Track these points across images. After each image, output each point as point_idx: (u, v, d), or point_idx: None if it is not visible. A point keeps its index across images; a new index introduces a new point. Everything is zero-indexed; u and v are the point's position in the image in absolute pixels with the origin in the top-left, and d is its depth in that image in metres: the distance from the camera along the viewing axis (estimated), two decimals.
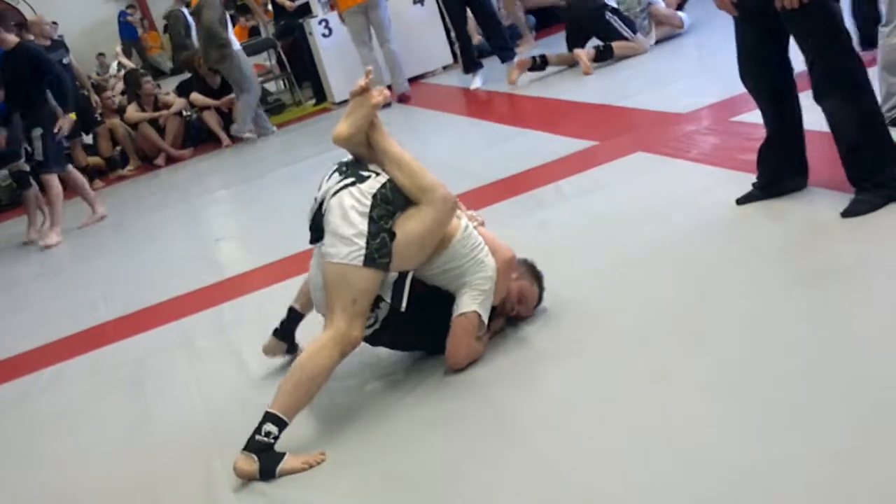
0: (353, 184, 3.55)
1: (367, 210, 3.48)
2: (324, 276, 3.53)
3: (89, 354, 5.27)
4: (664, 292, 3.90)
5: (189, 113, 12.38)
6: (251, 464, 3.29)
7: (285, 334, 4.18)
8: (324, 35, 12.06)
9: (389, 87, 11.18)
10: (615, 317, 3.82)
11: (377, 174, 3.60)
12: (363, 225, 3.46)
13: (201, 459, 3.67)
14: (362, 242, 3.44)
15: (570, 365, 3.56)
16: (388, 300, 3.57)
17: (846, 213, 4.02)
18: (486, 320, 3.69)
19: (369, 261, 3.43)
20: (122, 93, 14.09)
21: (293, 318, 4.18)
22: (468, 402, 3.46)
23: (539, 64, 9.67)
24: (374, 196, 3.51)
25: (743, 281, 3.81)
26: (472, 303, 3.64)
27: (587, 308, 3.96)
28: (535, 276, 3.95)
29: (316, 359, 3.40)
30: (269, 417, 3.31)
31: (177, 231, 8.21)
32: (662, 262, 4.19)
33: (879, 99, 4.87)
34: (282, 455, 3.32)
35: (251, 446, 3.30)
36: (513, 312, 3.91)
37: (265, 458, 3.30)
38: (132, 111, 11.97)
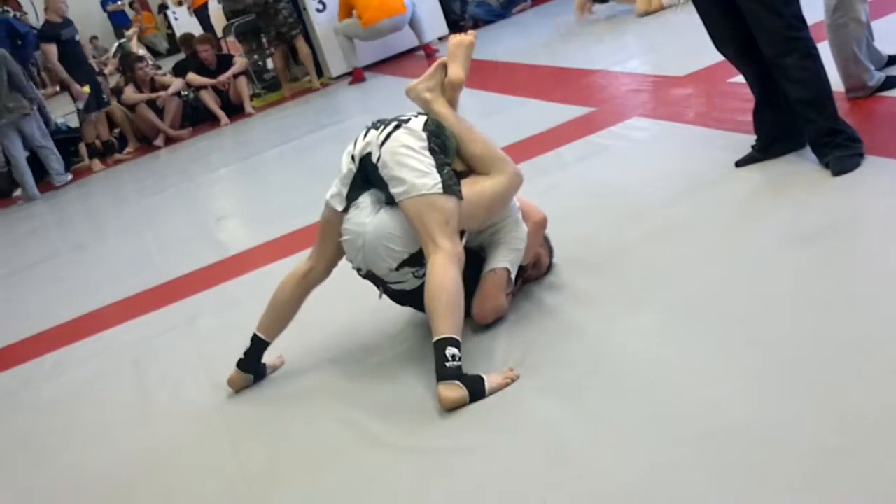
0: (398, 126, 3.61)
1: (426, 143, 3.56)
2: (406, 215, 3.48)
3: (93, 337, 5.27)
4: (666, 254, 3.91)
5: (187, 93, 12.35)
6: (457, 390, 3.21)
7: (251, 365, 3.91)
8: (318, 10, 12.01)
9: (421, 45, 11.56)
10: (617, 279, 3.83)
11: (416, 115, 3.71)
12: (429, 158, 3.53)
13: (209, 438, 3.69)
14: (435, 172, 3.49)
15: (574, 327, 3.56)
16: None
17: (837, 172, 4.02)
18: (513, 278, 3.76)
19: (447, 188, 3.48)
20: (118, 70, 14.11)
21: (257, 346, 3.90)
22: (472, 368, 3.45)
23: None
24: (425, 130, 3.60)
25: (742, 240, 3.81)
26: (503, 260, 3.71)
27: (590, 271, 3.97)
28: (549, 247, 4.05)
29: (448, 279, 3.35)
30: (445, 342, 3.26)
31: (178, 211, 8.21)
32: (662, 224, 4.20)
33: (842, 86, 4.84)
34: (480, 376, 3.28)
35: (447, 375, 3.22)
36: (525, 274, 3.96)
37: (468, 381, 3.24)
38: (129, 93, 11.92)
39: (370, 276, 3.72)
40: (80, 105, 11.50)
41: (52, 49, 11.30)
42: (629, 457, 2.69)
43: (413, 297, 3.66)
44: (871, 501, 2.25)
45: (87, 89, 11.41)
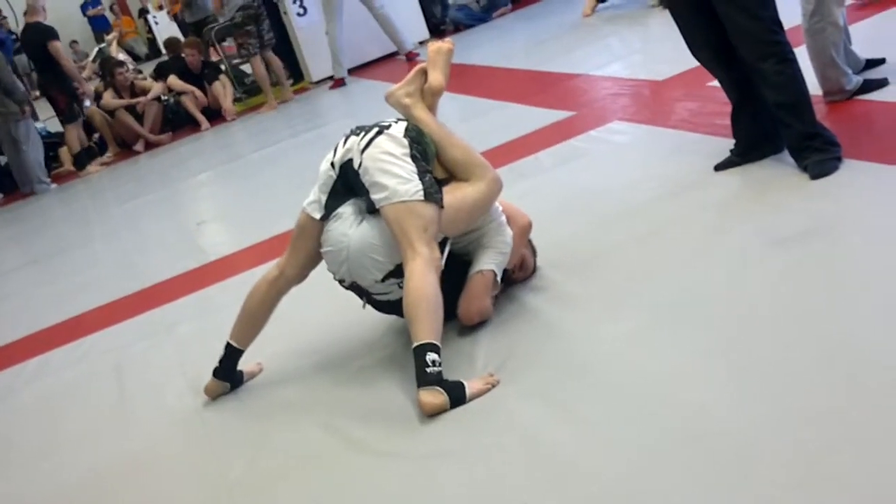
0: (379, 133, 3.61)
1: (408, 150, 3.55)
2: (386, 220, 3.47)
3: (74, 343, 5.25)
4: (647, 257, 3.92)
5: (167, 97, 12.31)
6: (438, 396, 3.20)
7: (226, 373, 3.88)
8: (299, 14, 12.01)
9: (402, 54, 11.43)
10: (597, 283, 3.83)
11: (396, 121, 3.70)
12: (410, 164, 3.52)
13: (190, 444, 3.69)
14: (417, 179, 3.49)
15: (555, 331, 3.57)
16: None
17: (816, 175, 4.04)
18: (499, 281, 3.77)
19: (428, 196, 3.47)
20: (97, 75, 14.07)
21: (231, 354, 3.86)
22: (454, 373, 3.46)
23: None
24: (406, 136, 3.59)
25: (722, 244, 3.83)
26: (490, 262, 3.72)
27: (570, 275, 3.97)
28: (533, 249, 4.07)
29: (427, 284, 3.34)
30: (425, 348, 3.25)
31: (158, 216, 8.18)
32: (641, 228, 4.21)
33: (820, 90, 4.87)
34: (461, 382, 3.26)
35: (427, 380, 3.21)
36: (512, 275, 3.97)
37: (449, 387, 3.22)
38: (109, 98, 11.88)
39: (354, 287, 3.71)
40: (89, 102, 11.50)
41: (61, 46, 11.25)
42: (612, 460, 2.70)
43: (397, 307, 3.63)
44: (854, 501, 2.26)
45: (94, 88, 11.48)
